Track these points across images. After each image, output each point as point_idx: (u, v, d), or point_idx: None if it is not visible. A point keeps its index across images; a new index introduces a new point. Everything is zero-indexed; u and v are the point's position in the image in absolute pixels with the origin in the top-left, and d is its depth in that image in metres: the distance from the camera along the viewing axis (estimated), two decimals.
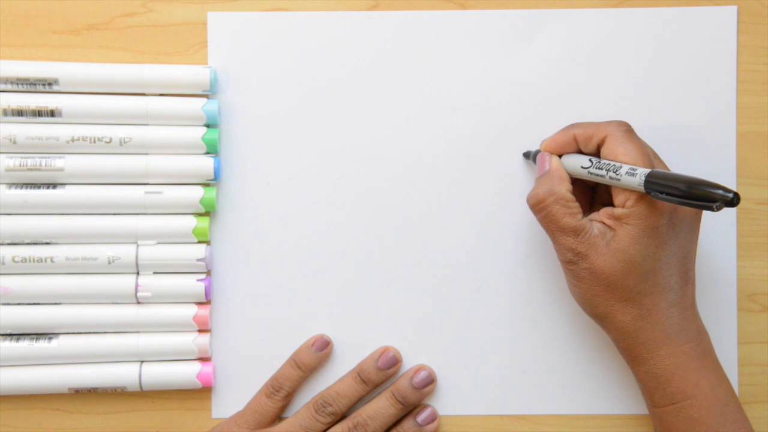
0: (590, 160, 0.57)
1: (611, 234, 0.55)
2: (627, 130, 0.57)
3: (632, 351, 0.57)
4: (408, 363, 0.63)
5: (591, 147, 0.57)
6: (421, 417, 0.62)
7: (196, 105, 0.61)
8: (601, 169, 0.56)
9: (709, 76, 0.63)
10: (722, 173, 0.63)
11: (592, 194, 0.61)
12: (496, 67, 0.63)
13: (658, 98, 0.63)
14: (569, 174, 0.58)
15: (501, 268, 0.63)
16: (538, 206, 0.57)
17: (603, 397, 0.63)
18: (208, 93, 0.62)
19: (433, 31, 0.63)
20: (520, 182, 0.63)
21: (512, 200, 0.63)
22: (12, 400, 0.62)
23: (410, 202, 0.63)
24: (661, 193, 0.52)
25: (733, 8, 0.63)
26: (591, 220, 0.56)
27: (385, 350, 0.62)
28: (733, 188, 0.62)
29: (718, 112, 0.63)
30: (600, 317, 0.57)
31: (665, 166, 0.57)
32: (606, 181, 0.56)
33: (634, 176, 0.54)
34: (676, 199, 0.52)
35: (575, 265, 0.56)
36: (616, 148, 0.56)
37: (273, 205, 0.63)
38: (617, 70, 0.63)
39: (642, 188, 0.53)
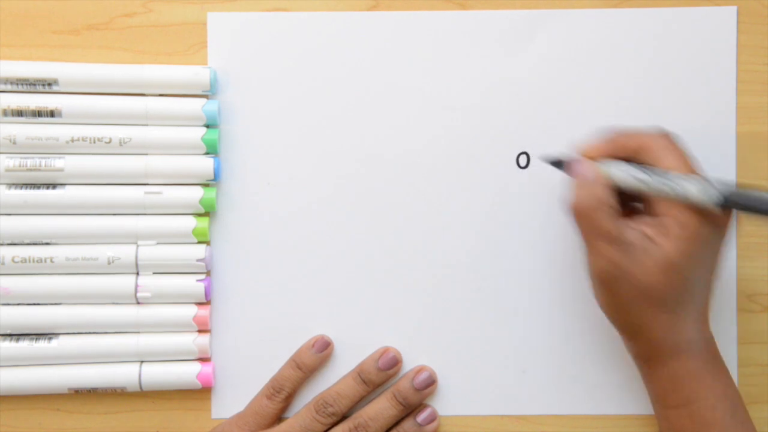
0: (645, 170, 0.55)
1: (653, 245, 0.54)
2: (671, 140, 0.55)
3: (653, 355, 0.56)
4: (408, 363, 0.63)
5: (629, 155, 0.56)
6: (421, 417, 0.62)
7: (196, 105, 0.61)
8: (665, 180, 0.54)
9: (709, 76, 0.63)
10: (722, 173, 0.63)
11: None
12: (496, 67, 0.63)
13: (658, 98, 0.62)
14: (616, 184, 0.56)
15: (501, 268, 0.63)
16: (582, 213, 0.55)
17: (603, 397, 0.63)
18: (208, 93, 0.62)
19: (433, 31, 0.63)
20: (521, 182, 0.63)
21: (512, 200, 0.63)
22: (12, 400, 0.62)
23: (410, 202, 0.63)
24: (741, 209, 0.52)
25: (733, 8, 0.63)
26: (631, 229, 0.55)
27: (385, 351, 0.62)
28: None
29: (718, 112, 0.63)
30: (631, 328, 0.56)
31: (701, 170, 0.56)
32: (667, 194, 0.54)
33: (707, 192, 0.53)
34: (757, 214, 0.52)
35: (613, 276, 0.54)
36: (662, 159, 0.54)
37: (273, 205, 0.63)
38: (617, 70, 0.63)
39: (714, 204, 0.52)
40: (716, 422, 0.55)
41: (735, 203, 0.52)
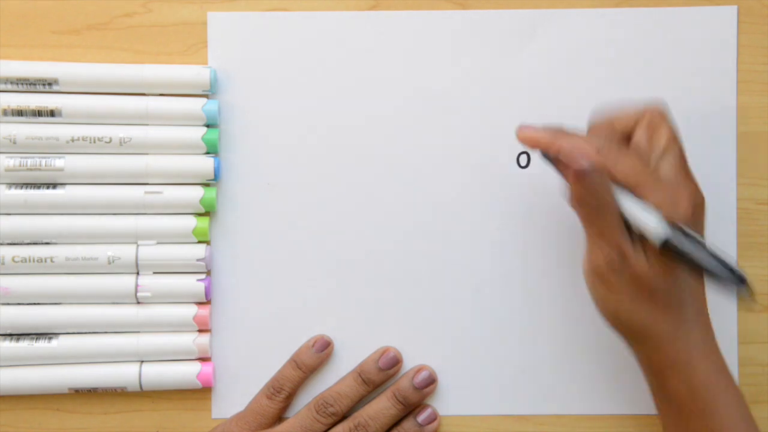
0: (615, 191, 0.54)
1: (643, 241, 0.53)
2: (656, 126, 0.54)
3: (669, 359, 0.54)
4: (408, 363, 0.63)
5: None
6: (422, 417, 0.62)
7: (196, 105, 0.61)
8: (629, 207, 0.52)
9: (709, 76, 0.63)
10: (722, 173, 0.63)
11: None
12: (496, 67, 0.63)
13: (658, 98, 0.62)
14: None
15: (501, 268, 0.63)
16: (585, 200, 0.53)
17: (603, 397, 0.63)
18: (208, 93, 0.62)
19: (433, 31, 0.63)
20: (520, 182, 0.63)
21: (513, 200, 0.63)
22: (12, 400, 0.62)
23: (410, 202, 0.63)
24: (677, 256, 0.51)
25: (733, 8, 0.63)
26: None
27: (385, 350, 0.62)
28: (734, 189, 0.63)
29: (718, 112, 0.63)
30: (637, 330, 0.54)
31: (678, 163, 0.54)
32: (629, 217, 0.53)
33: (653, 233, 0.52)
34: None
35: (614, 271, 0.53)
36: (614, 165, 0.53)
37: (273, 205, 0.63)
38: (617, 70, 0.63)
39: (656, 239, 0.52)
40: (732, 428, 0.53)
41: (672, 249, 0.51)
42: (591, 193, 0.53)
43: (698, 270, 0.51)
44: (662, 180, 0.53)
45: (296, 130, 0.63)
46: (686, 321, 0.54)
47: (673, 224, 0.52)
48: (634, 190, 0.53)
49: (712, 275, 0.51)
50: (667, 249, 0.51)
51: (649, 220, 0.52)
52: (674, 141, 0.55)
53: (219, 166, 0.62)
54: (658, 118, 0.55)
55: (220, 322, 0.63)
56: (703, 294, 0.56)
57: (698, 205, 0.54)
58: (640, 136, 0.55)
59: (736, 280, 0.50)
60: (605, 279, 0.54)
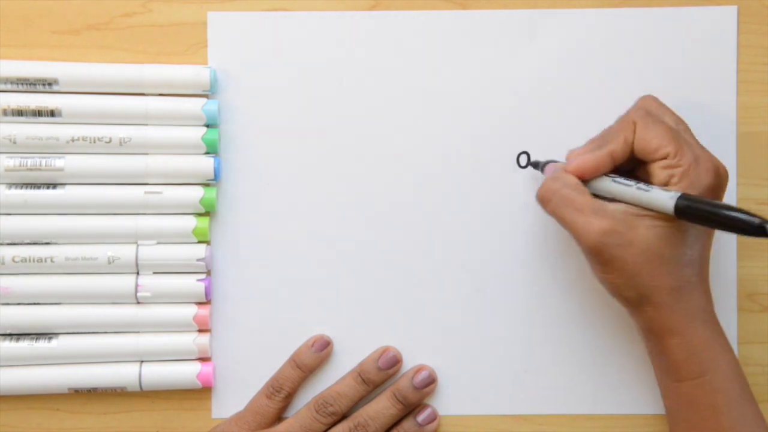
0: (623, 183, 0.56)
1: (641, 213, 0.54)
2: (649, 122, 0.56)
3: (669, 324, 0.55)
4: (408, 363, 0.63)
5: (621, 160, 0.57)
6: (422, 417, 0.62)
7: (196, 105, 0.61)
8: (636, 191, 0.55)
9: (709, 76, 0.63)
10: None
11: None
12: (496, 67, 0.63)
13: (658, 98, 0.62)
14: (593, 190, 0.57)
15: (501, 268, 0.63)
16: (547, 195, 0.57)
17: (604, 397, 0.63)
18: (208, 93, 0.62)
19: (433, 31, 0.63)
20: (521, 182, 0.63)
21: (513, 200, 0.63)
22: (12, 400, 0.62)
23: (410, 202, 0.63)
24: (693, 218, 0.53)
25: (733, 8, 0.63)
26: (612, 204, 0.56)
27: (385, 350, 0.62)
28: (734, 189, 0.63)
29: (718, 112, 0.63)
30: (638, 297, 0.55)
31: (696, 140, 0.57)
32: (632, 193, 0.55)
33: (665, 205, 0.54)
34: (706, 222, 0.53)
35: (610, 244, 0.54)
36: (646, 134, 0.56)
37: (273, 205, 0.63)
38: (617, 70, 0.63)
39: (671, 208, 0.53)
40: (728, 392, 0.55)
41: (688, 215, 0.53)
42: (554, 204, 0.57)
43: (715, 223, 0.52)
44: (689, 144, 0.56)
45: (296, 130, 0.63)
46: (686, 289, 0.55)
47: (684, 195, 0.54)
48: (663, 156, 0.55)
49: (730, 221, 0.52)
50: (683, 212, 0.53)
51: (658, 192, 0.54)
52: (681, 120, 0.58)
53: (219, 166, 0.62)
54: (655, 105, 0.58)
55: (220, 322, 0.63)
56: (707, 261, 0.56)
57: (722, 174, 0.56)
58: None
59: (755, 221, 0.51)
60: (601, 256, 0.55)
